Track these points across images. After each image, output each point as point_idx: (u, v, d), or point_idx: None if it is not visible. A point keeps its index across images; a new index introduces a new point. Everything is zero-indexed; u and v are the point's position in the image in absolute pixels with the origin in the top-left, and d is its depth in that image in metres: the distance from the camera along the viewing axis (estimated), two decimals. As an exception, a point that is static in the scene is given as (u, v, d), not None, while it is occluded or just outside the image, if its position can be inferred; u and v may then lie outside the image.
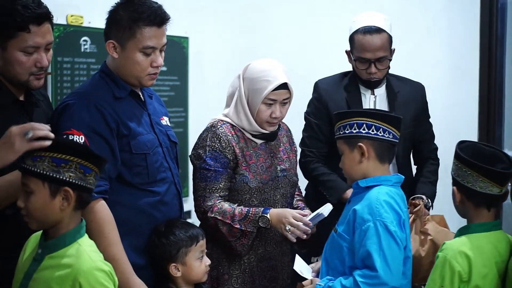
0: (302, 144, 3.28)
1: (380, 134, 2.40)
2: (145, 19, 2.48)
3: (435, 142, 3.43)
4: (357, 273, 2.33)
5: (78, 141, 2.39)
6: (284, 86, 2.74)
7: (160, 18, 2.52)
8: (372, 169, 2.43)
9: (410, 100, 3.26)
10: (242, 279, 2.80)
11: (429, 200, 3.11)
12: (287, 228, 2.66)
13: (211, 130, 2.78)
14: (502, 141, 4.22)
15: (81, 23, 3.79)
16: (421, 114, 3.31)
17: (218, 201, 2.72)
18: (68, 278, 2.05)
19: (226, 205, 2.72)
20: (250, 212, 2.70)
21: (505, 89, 4.20)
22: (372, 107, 3.21)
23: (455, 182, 2.41)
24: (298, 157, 3.15)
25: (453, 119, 4.19)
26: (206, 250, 2.62)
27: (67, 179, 2.04)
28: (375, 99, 3.23)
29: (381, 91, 3.24)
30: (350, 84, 3.24)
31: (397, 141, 2.46)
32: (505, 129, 4.24)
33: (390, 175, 2.49)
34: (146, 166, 2.53)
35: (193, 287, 2.61)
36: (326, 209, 2.69)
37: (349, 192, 3.01)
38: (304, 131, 3.30)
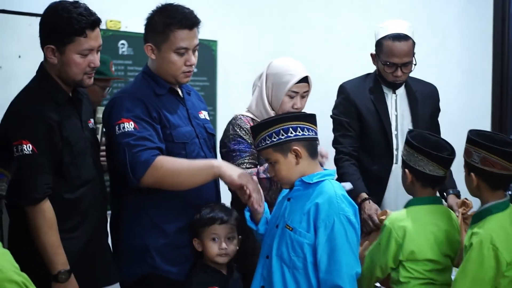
0: (335, 142, 3.42)
1: (307, 134, 2.50)
2: (176, 23, 2.72)
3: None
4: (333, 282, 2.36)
5: (128, 127, 2.64)
6: (305, 79, 2.98)
7: (190, 21, 2.75)
8: (308, 167, 2.51)
9: (426, 98, 3.47)
10: None
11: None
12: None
13: (232, 122, 3.03)
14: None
15: (119, 27, 4.00)
16: (435, 112, 3.52)
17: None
18: None
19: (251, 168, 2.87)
20: None
21: (517, 91, 4.39)
22: (393, 105, 3.41)
23: (406, 165, 2.71)
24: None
25: (467, 119, 4.33)
26: (223, 235, 2.75)
27: None
28: (396, 98, 3.43)
29: (401, 90, 3.45)
30: (374, 85, 3.43)
31: (317, 136, 2.57)
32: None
33: (327, 170, 2.59)
34: (185, 154, 2.76)
35: (223, 266, 2.79)
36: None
37: (364, 195, 3.21)
38: (335, 131, 3.44)
